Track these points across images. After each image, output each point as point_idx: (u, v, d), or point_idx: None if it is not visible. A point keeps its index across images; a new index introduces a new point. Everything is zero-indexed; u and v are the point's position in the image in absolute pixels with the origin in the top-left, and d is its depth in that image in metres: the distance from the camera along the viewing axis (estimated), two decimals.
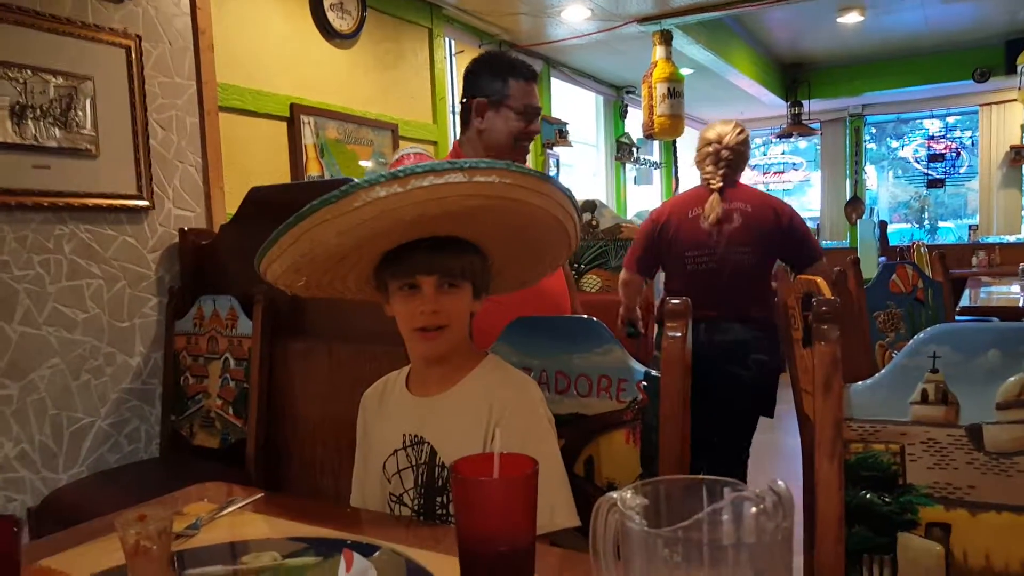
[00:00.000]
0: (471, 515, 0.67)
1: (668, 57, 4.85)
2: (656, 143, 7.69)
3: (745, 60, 6.29)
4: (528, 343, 1.31)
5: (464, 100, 1.82)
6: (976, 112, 8.03)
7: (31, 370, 2.11)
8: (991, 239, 7.53)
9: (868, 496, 0.99)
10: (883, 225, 7.36)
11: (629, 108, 6.93)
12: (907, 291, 2.67)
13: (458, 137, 1.89)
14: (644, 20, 4.73)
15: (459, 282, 1.11)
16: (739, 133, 2.55)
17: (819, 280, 2.17)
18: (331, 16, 3.25)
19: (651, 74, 4.84)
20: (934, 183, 8.71)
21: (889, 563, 0.98)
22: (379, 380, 1.26)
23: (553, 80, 5.72)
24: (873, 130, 9.12)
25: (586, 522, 1.11)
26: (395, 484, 1.16)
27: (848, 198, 8.51)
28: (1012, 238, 7.45)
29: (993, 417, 0.93)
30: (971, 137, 8.47)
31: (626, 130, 6.94)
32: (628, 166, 7.04)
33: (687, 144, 8.41)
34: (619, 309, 2.81)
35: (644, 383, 1.20)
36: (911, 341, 0.98)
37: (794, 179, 9.49)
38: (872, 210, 8.67)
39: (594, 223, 4.01)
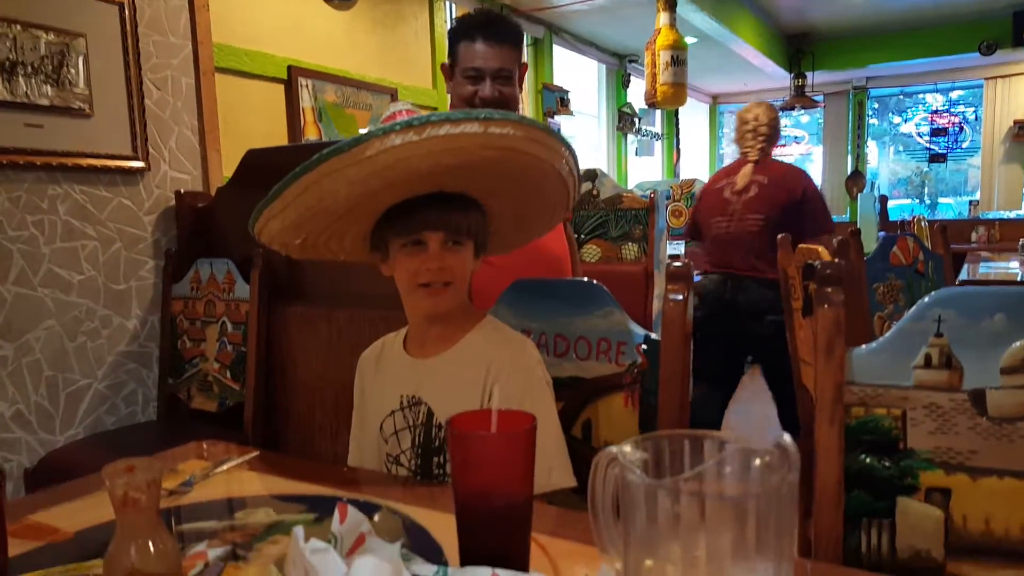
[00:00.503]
0: (468, 471, 0.66)
1: (672, 24, 4.78)
2: (658, 115, 7.62)
3: (749, 30, 6.21)
4: (527, 306, 1.29)
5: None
6: (981, 86, 7.95)
7: (26, 331, 2.10)
8: (991, 215, 7.50)
9: (868, 461, 0.99)
10: (883, 200, 7.32)
11: (632, 78, 6.85)
12: (907, 263, 2.65)
13: None
14: None
15: (464, 240, 1.09)
16: (773, 111, 2.98)
17: (820, 248, 2.16)
18: None
19: (655, 41, 4.77)
20: (936, 157, 8.65)
21: (888, 528, 0.98)
22: (376, 342, 1.25)
23: (555, 47, 5.65)
24: (876, 105, 9.04)
25: (583, 483, 1.11)
26: (392, 445, 1.15)
27: (849, 172, 8.46)
28: (1012, 214, 7.42)
29: (997, 382, 0.92)
30: (974, 112, 8.40)
31: (628, 100, 6.87)
32: (629, 137, 6.98)
33: (689, 116, 8.34)
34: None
35: (644, 346, 1.18)
36: (916, 305, 0.97)
37: (796, 153, 9.43)
38: (873, 184, 8.62)
39: (595, 192, 3.98)
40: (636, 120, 6.90)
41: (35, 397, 2.13)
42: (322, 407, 2.15)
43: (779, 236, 2.36)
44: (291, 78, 3.01)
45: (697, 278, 3.26)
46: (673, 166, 7.77)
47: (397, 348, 1.20)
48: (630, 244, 3.87)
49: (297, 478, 1.02)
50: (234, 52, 2.77)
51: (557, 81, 5.59)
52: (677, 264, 1.15)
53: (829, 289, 1.01)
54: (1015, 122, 7.60)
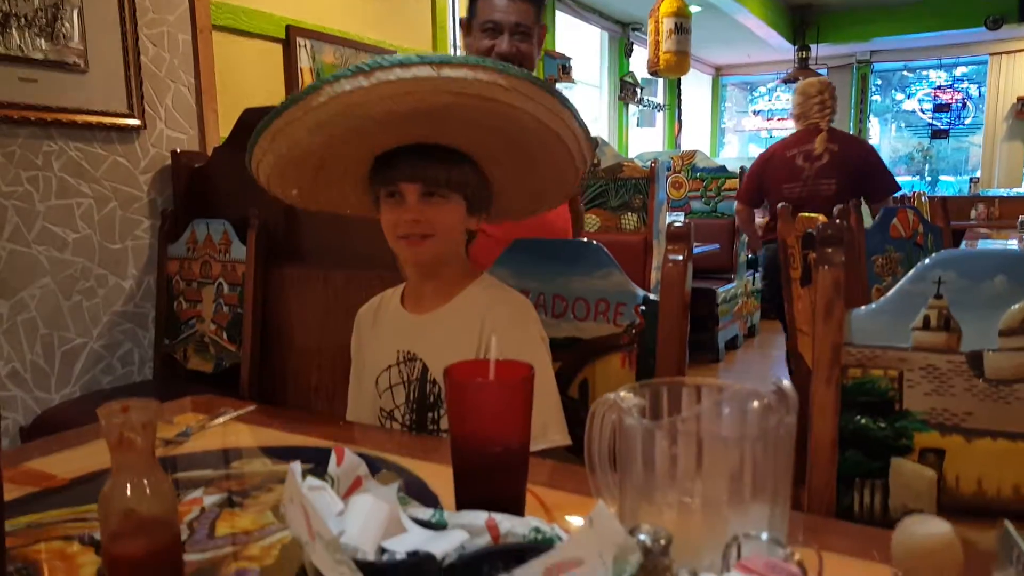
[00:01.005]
0: (466, 418, 0.66)
1: None
2: (660, 85, 7.55)
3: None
4: (526, 266, 1.29)
5: None
6: (985, 62, 7.89)
7: (21, 288, 2.09)
8: (991, 192, 7.48)
9: (863, 421, 0.99)
10: None
11: (634, 46, 6.78)
12: (907, 236, 2.65)
13: None
14: None
15: (445, 192, 1.06)
16: (832, 85, 3.35)
17: (821, 217, 2.15)
18: None
19: (658, 8, 4.71)
20: (938, 133, 8.60)
21: (881, 487, 0.98)
22: (374, 297, 1.24)
23: (558, 14, 5.58)
24: (878, 81, 8.96)
25: (578, 444, 1.11)
26: (386, 400, 1.15)
27: None
28: (1013, 191, 7.40)
29: (995, 344, 0.92)
30: (978, 89, 8.34)
31: (630, 69, 6.80)
32: (631, 107, 6.92)
33: (691, 87, 8.26)
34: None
35: (643, 307, 1.18)
36: (916, 266, 0.96)
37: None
38: None
39: (596, 161, 3.96)
40: (638, 90, 6.84)
41: (30, 355, 2.13)
42: (319, 369, 2.15)
43: (779, 206, 2.35)
44: (289, 38, 2.97)
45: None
46: (675, 137, 7.72)
47: (395, 303, 1.19)
48: (629, 214, 3.86)
49: (294, 432, 1.02)
50: (232, 10, 2.73)
51: (559, 48, 5.53)
52: (677, 224, 1.14)
53: (829, 250, 1.00)
54: (1019, 99, 7.55)
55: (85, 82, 2.17)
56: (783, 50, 7.69)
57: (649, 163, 3.81)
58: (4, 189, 2.03)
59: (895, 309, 0.97)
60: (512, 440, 0.66)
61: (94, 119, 2.20)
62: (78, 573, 0.66)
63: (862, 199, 3.19)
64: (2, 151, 2.02)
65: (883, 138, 9.29)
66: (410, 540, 0.51)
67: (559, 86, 5.50)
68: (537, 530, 0.55)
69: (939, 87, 8.69)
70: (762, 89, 10.03)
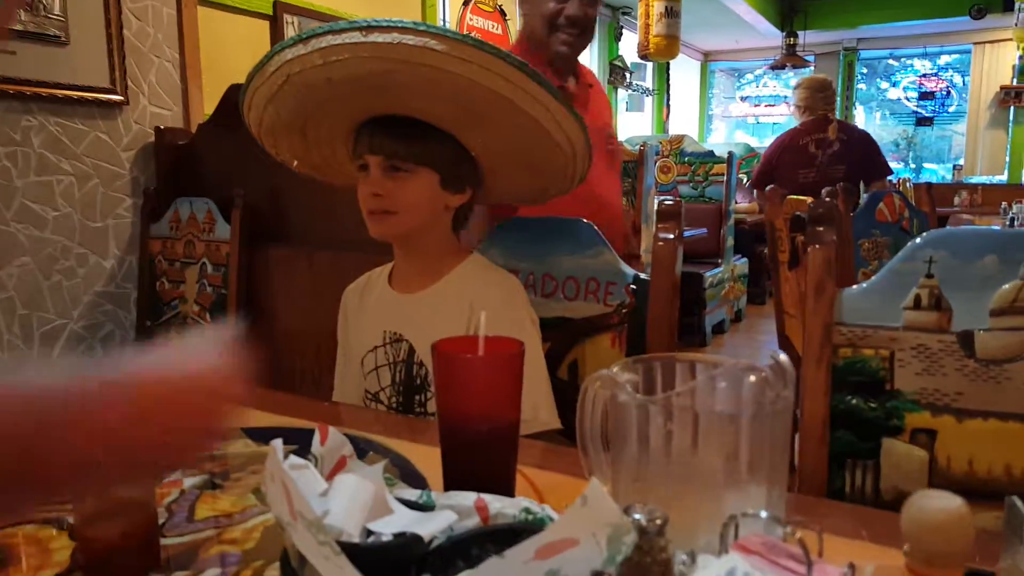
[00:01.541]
0: (454, 394, 0.64)
1: None
2: (649, 70, 7.52)
3: None
4: (515, 245, 1.27)
5: None
6: (969, 51, 7.91)
7: None
8: (974, 179, 7.52)
9: (854, 401, 0.98)
10: None
11: (624, 31, 6.73)
12: (893, 220, 2.65)
13: None
14: None
15: (409, 167, 1.04)
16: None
17: (809, 200, 2.15)
18: None
19: None
20: (923, 121, 8.64)
21: (872, 468, 0.98)
22: (362, 276, 1.22)
23: None
24: (864, 70, 8.97)
25: (568, 427, 1.10)
26: (371, 381, 1.14)
27: None
28: (995, 179, 7.45)
29: (986, 324, 0.91)
30: (962, 79, 8.37)
31: (620, 53, 6.76)
32: (620, 91, 6.89)
33: (680, 73, 8.23)
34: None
35: (633, 286, 1.17)
36: (907, 245, 0.96)
37: (786, 113, 9.36)
38: None
39: None
40: (627, 74, 6.80)
41: (8, 336, 2.09)
42: (303, 353, 2.13)
43: (768, 188, 2.34)
44: (277, 14, 2.91)
45: None
46: (663, 122, 7.70)
47: (382, 283, 1.17)
48: None
49: (278, 412, 1.00)
50: None
51: None
52: (668, 201, 1.13)
53: (821, 228, 0.99)
54: (1001, 87, 7.59)
55: (66, 55, 2.12)
56: (771, 36, 7.68)
57: (638, 147, 3.80)
58: None
59: (886, 288, 0.97)
60: (501, 418, 0.64)
61: (75, 93, 2.15)
62: (51, 558, 0.63)
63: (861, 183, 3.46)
64: None
65: (868, 125, 9.30)
66: (397, 521, 0.50)
67: None
68: (528, 511, 0.53)
69: (924, 75, 8.72)
70: (749, 76, 10.01)
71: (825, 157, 3.50)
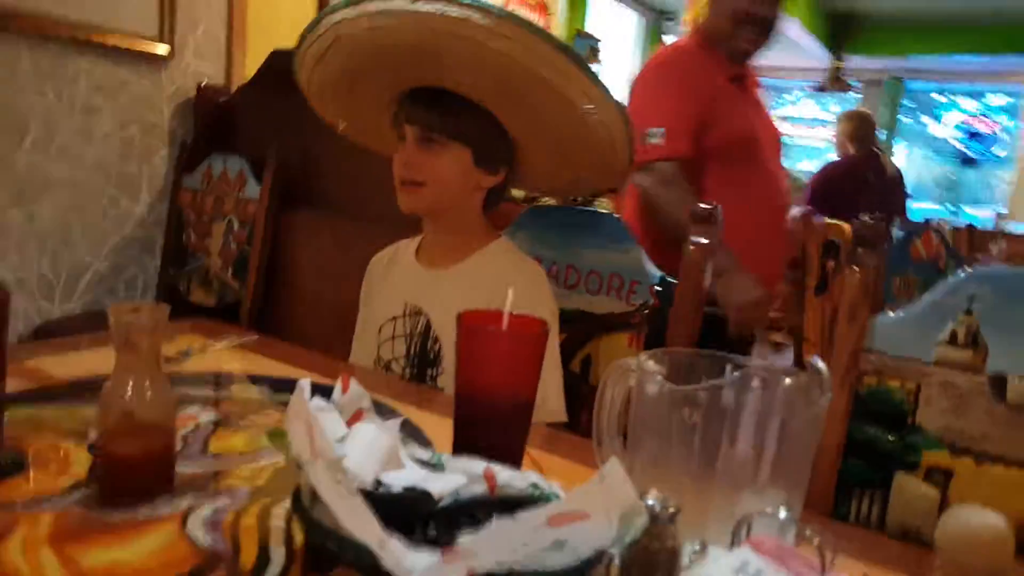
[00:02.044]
0: (475, 367, 0.63)
1: None
2: None
3: (796, 1, 6.06)
4: (543, 232, 1.26)
5: None
6: (1020, 94, 7.76)
7: (35, 200, 2.07)
8: (1019, 226, 7.37)
9: (872, 432, 0.96)
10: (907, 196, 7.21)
11: (662, 37, 6.69)
12: (929, 258, 2.60)
13: None
14: None
15: (444, 140, 1.03)
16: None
17: (845, 226, 2.12)
18: None
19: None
20: (968, 161, 8.49)
21: (880, 500, 0.96)
22: (390, 246, 1.22)
23: None
24: (909, 104, 8.83)
25: (574, 419, 1.09)
26: (385, 349, 1.13)
27: None
28: None
29: (1022, 369, 0.89)
30: (1012, 120, 8.22)
31: None
32: None
33: None
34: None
35: (658, 287, 1.15)
36: (950, 279, 0.93)
37: (824, 136, 9.22)
38: None
39: None
40: None
41: (37, 267, 2.12)
42: (320, 319, 2.13)
43: (803, 210, 2.31)
44: None
45: None
46: None
47: (409, 255, 1.17)
48: None
49: (294, 365, 1.00)
50: None
51: (589, 28, 5.44)
52: (703, 206, 1.11)
53: (861, 250, 0.97)
54: None
55: (118, 1, 2.14)
56: (814, 58, 7.57)
57: None
58: (30, 99, 2.01)
59: (922, 320, 0.94)
60: (519, 394, 0.63)
61: (123, 43, 2.16)
62: (70, 469, 0.65)
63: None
64: (32, 62, 2.00)
65: (909, 162, 9.16)
66: (408, 476, 0.49)
67: None
68: (535, 486, 0.52)
69: (972, 115, 8.57)
70: (788, 97, 9.89)
71: (880, 185, 3.66)
